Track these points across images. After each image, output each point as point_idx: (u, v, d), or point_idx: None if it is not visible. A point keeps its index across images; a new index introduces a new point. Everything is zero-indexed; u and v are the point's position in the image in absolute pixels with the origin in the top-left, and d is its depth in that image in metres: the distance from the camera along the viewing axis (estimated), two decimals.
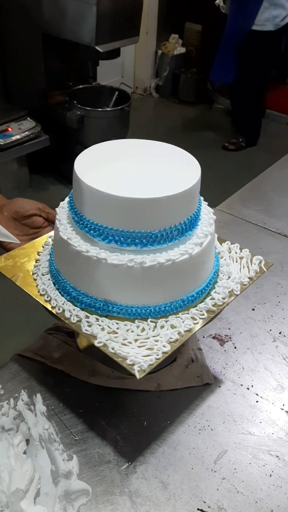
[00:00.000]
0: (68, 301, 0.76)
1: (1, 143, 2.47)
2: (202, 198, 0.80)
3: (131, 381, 0.87)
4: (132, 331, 0.72)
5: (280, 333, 1.02)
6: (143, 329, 0.73)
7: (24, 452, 0.75)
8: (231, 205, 1.44)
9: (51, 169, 3.08)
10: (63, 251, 0.76)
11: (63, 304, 0.76)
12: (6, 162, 2.66)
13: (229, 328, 1.02)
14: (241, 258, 0.88)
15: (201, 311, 0.77)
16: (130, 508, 0.71)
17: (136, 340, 0.71)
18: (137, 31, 2.70)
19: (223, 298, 0.79)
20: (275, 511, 0.72)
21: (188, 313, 0.76)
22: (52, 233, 0.90)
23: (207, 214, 0.80)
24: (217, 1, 3.15)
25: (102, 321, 0.73)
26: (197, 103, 4.28)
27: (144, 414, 0.84)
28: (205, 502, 0.72)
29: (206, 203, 0.83)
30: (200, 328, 0.75)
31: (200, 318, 0.76)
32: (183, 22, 4.34)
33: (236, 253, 0.90)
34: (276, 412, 0.86)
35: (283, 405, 0.88)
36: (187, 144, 3.76)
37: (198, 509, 0.71)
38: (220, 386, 0.90)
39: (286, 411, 0.86)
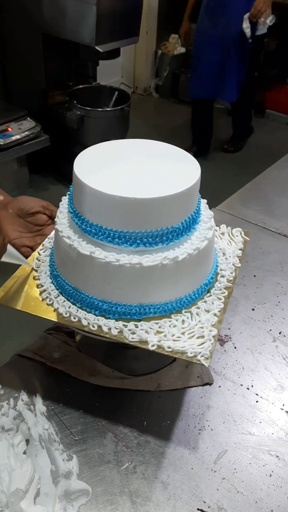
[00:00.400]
0: (98, 316, 0.75)
1: (1, 143, 2.46)
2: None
3: (131, 381, 0.87)
4: (175, 326, 0.73)
5: (280, 333, 1.02)
6: (183, 321, 0.74)
7: (24, 452, 0.75)
8: (231, 205, 1.44)
9: (51, 169, 3.08)
10: (85, 267, 0.73)
11: (95, 320, 0.74)
12: (6, 162, 2.66)
13: (229, 328, 1.02)
14: (222, 234, 0.93)
15: (220, 290, 0.80)
16: (130, 508, 0.71)
17: (183, 333, 0.72)
18: (137, 31, 2.70)
19: (232, 273, 0.84)
20: (275, 511, 0.72)
21: (211, 295, 0.79)
22: (37, 253, 0.88)
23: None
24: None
25: (142, 325, 0.73)
26: None
27: (144, 414, 0.84)
28: (205, 502, 0.72)
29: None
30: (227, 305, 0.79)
31: (223, 296, 0.79)
32: None
33: (216, 230, 0.93)
34: (276, 412, 0.86)
35: (283, 405, 0.88)
36: (187, 144, 3.73)
37: (198, 509, 0.71)
38: (220, 386, 0.90)
39: (286, 411, 0.86)
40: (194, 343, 0.70)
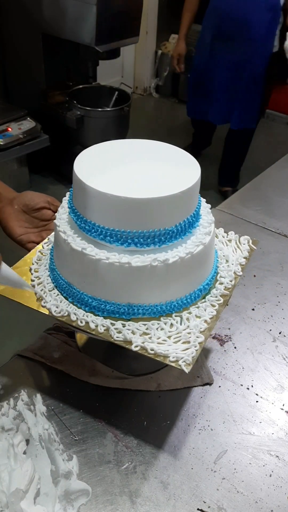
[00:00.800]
0: (87, 312, 0.75)
1: (1, 143, 2.46)
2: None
3: (131, 381, 0.87)
4: (162, 329, 0.73)
5: (280, 333, 1.02)
6: (171, 325, 0.74)
7: (24, 452, 0.75)
8: (231, 205, 1.45)
9: (51, 169, 3.08)
10: (77, 262, 0.73)
11: (83, 316, 0.74)
12: (6, 162, 2.66)
13: (229, 328, 1.02)
14: (229, 240, 0.92)
15: (216, 297, 0.79)
16: (130, 508, 0.71)
17: (169, 337, 0.72)
18: (137, 31, 2.70)
19: (231, 281, 0.82)
20: (275, 511, 0.72)
21: (205, 301, 0.78)
22: (40, 246, 0.89)
23: (202, 202, 0.82)
24: None
25: (129, 325, 0.73)
26: None
27: (144, 414, 0.84)
28: (205, 502, 0.72)
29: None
30: (221, 312, 0.78)
31: (217, 304, 0.78)
32: None
33: (223, 237, 0.93)
34: (276, 412, 0.86)
35: (283, 405, 0.88)
36: (187, 144, 3.71)
37: (198, 509, 0.71)
38: (220, 386, 0.90)
39: (286, 411, 0.86)
40: (178, 348, 0.69)
